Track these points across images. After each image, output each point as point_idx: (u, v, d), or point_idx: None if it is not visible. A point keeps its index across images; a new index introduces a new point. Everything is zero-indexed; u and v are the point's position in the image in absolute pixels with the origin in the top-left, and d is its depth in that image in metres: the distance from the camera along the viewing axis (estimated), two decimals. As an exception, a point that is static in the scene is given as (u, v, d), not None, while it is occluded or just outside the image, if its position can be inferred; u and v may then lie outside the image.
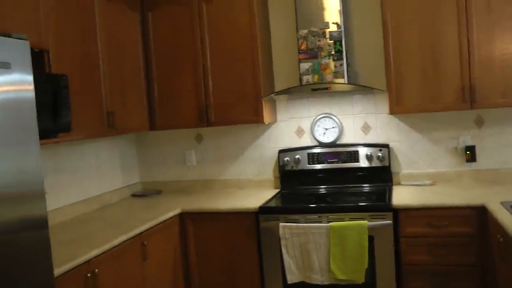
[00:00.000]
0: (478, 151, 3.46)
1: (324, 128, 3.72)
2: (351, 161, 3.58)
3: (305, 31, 3.46)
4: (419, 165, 3.59)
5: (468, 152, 3.46)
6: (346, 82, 3.43)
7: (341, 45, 3.41)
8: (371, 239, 2.96)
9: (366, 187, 3.56)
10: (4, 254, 1.78)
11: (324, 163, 3.63)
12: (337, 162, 3.60)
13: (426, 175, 3.56)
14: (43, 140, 2.34)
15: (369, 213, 2.98)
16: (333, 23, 3.42)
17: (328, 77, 3.43)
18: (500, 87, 3.07)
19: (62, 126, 2.47)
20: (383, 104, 3.61)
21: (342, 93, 3.68)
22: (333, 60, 3.42)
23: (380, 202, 3.08)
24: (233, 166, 3.98)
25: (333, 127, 3.70)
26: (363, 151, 3.56)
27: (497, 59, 3.06)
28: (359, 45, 3.63)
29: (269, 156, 3.89)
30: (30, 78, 1.92)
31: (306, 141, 3.80)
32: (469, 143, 3.48)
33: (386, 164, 3.52)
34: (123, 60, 3.39)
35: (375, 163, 3.54)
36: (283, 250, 3.06)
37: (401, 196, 3.17)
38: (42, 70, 2.56)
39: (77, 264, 2.27)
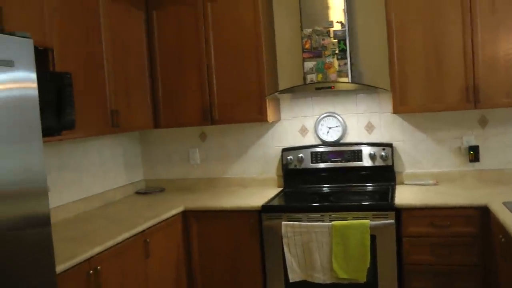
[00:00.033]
0: (481, 151, 3.45)
1: (327, 127, 3.72)
2: (354, 160, 3.58)
3: (310, 30, 3.46)
4: (423, 164, 3.58)
5: (471, 152, 3.45)
6: (350, 81, 3.43)
7: (345, 44, 3.41)
8: (373, 238, 2.97)
9: (369, 186, 3.56)
10: (7, 251, 1.79)
11: (327, 162, 3.63)
12: (341, 161, 3.60)
13: (429, 174, 3.55)
14: (46, 137, 2.35)
15: (372, 213, 2.98)
16: (337, 22, 3.42)
17: (332, 76, 3.43)
18: (505, 87, 3.06)
19: (66, 124, 2.48)
20: (387, 104, 3.60)
21: (346, 92, 3.68)
22: (337, 59, 3.42)
23: (383, 201, 3.08)
24: (237, 164, 3.99)
25: (336, 126, 3.70)
26: (366, 150, 3.56)
27: (501, 59, 3.05)
28: (363, 44, 3.63)
29: (273, 154, 3.89)
30: (33, 76, 1.93)
31: (309, 140, 3.80)
32: (473, 143, 3.47)
33: (390, 163, 3.52)
34: (128, 59, 3.41)
35: (379, 163, 3.53)
36: (285, 249, 3.06)
37: (404, 195, 3.17)
38: (46, 69, 2.58)
39: (79, 261, 2.28)
